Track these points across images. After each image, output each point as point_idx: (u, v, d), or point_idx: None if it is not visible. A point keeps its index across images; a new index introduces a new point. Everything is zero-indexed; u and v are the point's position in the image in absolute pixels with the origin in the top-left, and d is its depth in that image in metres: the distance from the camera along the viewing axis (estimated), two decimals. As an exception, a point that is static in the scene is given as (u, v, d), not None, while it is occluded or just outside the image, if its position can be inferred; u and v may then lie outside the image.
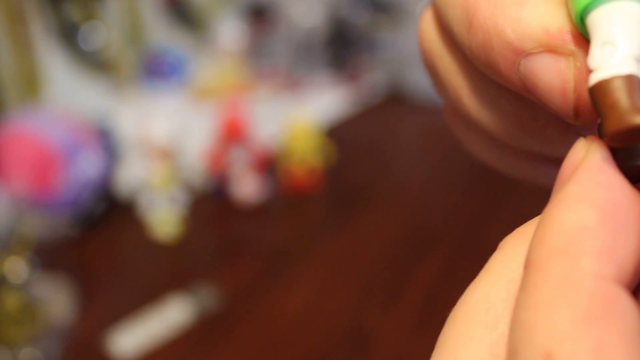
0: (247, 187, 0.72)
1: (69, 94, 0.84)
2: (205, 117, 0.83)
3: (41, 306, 0.56)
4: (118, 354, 0.54)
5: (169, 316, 0.57)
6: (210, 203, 0.74)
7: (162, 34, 1.01)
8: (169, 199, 0.69)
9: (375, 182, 0.80)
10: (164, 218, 0.68)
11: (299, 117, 0.79)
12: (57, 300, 0.58)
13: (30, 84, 0.80)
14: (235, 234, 0.70)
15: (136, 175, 0.72)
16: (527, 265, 0.12)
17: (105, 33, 0.87)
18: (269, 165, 0.76)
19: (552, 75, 0.14)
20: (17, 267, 0.54)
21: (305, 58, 1.05)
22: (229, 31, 1.02)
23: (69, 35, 0.85)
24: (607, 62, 0.13)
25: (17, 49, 0.77)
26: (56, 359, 0.53)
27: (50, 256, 0.62)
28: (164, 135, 0.69)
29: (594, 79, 0.13)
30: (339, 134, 0.90)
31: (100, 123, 0.72)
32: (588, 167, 0.13)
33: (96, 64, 0.88)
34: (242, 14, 1.09)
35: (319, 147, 0.78)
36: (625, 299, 0.11)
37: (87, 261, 0.64)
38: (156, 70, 0.96)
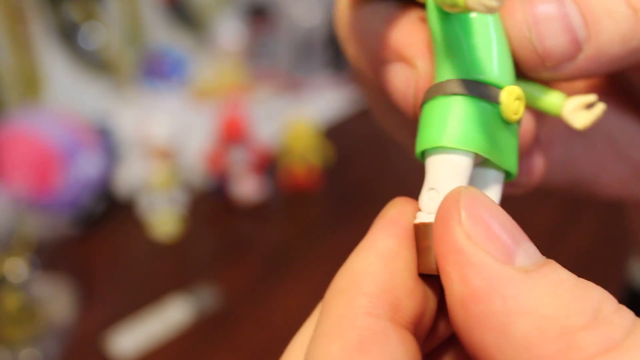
0: (247, 187, 0.72)
1: (69, 94, 0.84)
2: (205, 117, 0.83)
3: (41, 306, 0.56)
4: (118, 353, 0.54)
5: (169, 316, 0.57)
6: (210, 203, 0.74)
7: (162, 34, 1.01)
8: (168, 199, 0.69)
9: (375, 182, 0.80)
10: (163, 218, 0.68)
11: (298, 117, 0.79)
12: (57, 300, 0.58)
13: (30, 84, 0.80)
14: (235, 233, 0.70)
15: (136, 175, 0.72)
16: (322, 304, 0.14)
17: (105, 33, 0.87)
18: (269, 165, 0.76)
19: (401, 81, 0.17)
20: (17, 267, 0.54)
21: (305, 58, 1.05)
22: (229, 31, 1.02)
23: (69, 35, 0.85)
24: (430, 207, 0.14)
25: (17, 49, 0.77)
26: (56, 359, 0.53)
27: (50, 256, 0.62)
28: (164, 135, 0.69)
29: (418, 219, 0.14)
30: (338, 134, 0.90)
31: (100, 123, 0.72)
32: (381, 220, 0.15)
33: (96, 64, 0.88)
34: (242, 14, 1.09)
35: (319, 146, 0.78)
36: (392, 334, 0.13)
37: (87, 261, 0.64)
38: (156, 70, 0.96)
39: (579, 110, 0.16)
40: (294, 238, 0.70)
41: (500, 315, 0.12)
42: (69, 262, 0.64)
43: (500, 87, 0.15)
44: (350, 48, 0.19)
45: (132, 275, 0.64)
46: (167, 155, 0.69)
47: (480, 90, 0.14)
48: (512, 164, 0.15)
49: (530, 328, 0.12)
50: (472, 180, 0.15)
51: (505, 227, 0.13)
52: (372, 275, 0.14)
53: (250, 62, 1.04)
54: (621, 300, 0.13)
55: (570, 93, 0.18)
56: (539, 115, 0.18)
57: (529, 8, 0.15)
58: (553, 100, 0.16)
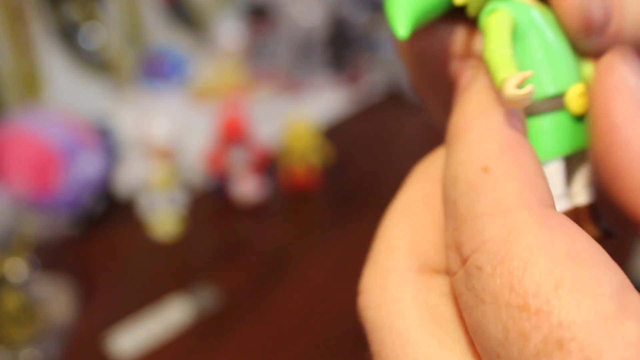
0: (247, 187, 0.72)
1: (69, 94, 0.84)
2: (205, 117, 0.83)
3: (41, 306, 0.56)
4: (118, 353, 0.54)
5: (169, 316, 0.57)
6: (210, 202, 0.74)
7: (162, 34, 1.01)
8: (168, 199, 0.69)
9: (375, 181, 0.80)
10: (163, 218, 0.68)
11: (298, 117, 0.79)
12: (57, 300, 0.58)
13: (30, 84, 0.80)
14: (235, 233, 0.70)
15: (136, 175, 0.72)
16: (450, 134, 0.16)
17: (105, 33, 0.87)
18: (269, 165, 0.76)
19: None
20: (17, 267, 0.54)
21: (305, 58, 1.05)
22: (229, 31, 1.02)
23: (69, 35, 0.85)
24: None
25: (17, 49, 0.77)
26: (56, 359, 0.53)
27: (50, 256, 0.62)
28: (164, 135, 0.69)
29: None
30: (338, 134, 0.90)
31: (100, 123, 0.72)
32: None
33: (96, 64, 0.88)
34: (241, 14, 1.09)
35: (319, 146, 0.78)
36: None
37: (87, 261, 0.65)
38: (156, 70, 0.96)
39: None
40: (294, 238, 0.70)
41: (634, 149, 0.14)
42: (69, 262, 0.64)
43: (562, 94, 0.16)
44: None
45: (132, 275, 0.64)
46: (167, 155, 0.69)
47: (546, 106, 0.16)
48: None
49: None
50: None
51: None
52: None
53: (250, 62, 1.04)
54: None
55: None
56: None
57: None
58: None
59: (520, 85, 0.14)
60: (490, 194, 0.14)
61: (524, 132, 0.16)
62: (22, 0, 0.77)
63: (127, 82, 0.93)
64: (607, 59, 0.15)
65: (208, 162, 0.73)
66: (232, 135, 0.71)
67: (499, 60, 0.15)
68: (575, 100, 0.16)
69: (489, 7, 0.17)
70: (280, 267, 0.64)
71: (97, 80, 0.89)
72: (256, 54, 1.05)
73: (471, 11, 0.17)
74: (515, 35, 0.16)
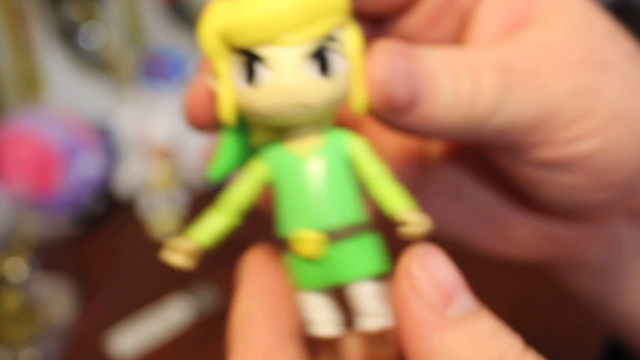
0: (247, 187, 0.72)
1: (69, 94, 0.84)
2: (205, 117, 0.82)
3: (41, 306, 0.56)
4: (118, 353, 0.54)
5: (169, 316, 0.57)
6: (210, 203, 0.73)
7: (162, 34, 1.01)
8: (168, 199, 0.69)
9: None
10: (163, 218, 0.68)
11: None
12: (57, 300, 0.58)
13: (30, 84, 0.80)
14: (235, 233, 0.70)
15: (136, 175, 0.72)
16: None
17: (105, 33, 0.87)
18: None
19: None
20: (17, 267, 0.54)
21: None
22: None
23: (69, 35, 0.85)
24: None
25: (16, 49, 0.77)
26: (56, 359, 0.53)
27: (50, 256, 0.62)
28: (164, 135, 0.69)
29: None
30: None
31: (100, 123, 0.72)
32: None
33: (96, 64, 0.88)
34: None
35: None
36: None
37: (87, 261, 0.64)
38: (156, 70, 0.96)
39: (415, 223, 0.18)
40: (294, 238, 0.70)
41: (425, 353, 0.16)
42: (69, 262, 0.64)
43: (287, 238, 0.18)
44: None
45: (132, 275, 0.64)
46: (167, 155, 0.69)
47: (285, 246, 0.18)
48: (362, 268, 0.18)
49: None
50: None
51: (444, 282, 0.16)
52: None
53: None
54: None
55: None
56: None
57: (385, 59, 0.17)
58: (395, 203, 0.18)
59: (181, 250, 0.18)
60: None
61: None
62: (22, 0, 0.77)
63: (127, 82, 0.93)
64: (405, 261, 0.17)
65: (208, 161, 0.73)
66: (232, 135, 0.71)
67: (208, 215, 0.20)
68: (296, 245, 0.17)
69: (259, 154, 0.19)
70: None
71: (97, 80, 0.89)
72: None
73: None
74: (276, 180, 0.18)
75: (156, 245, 0.70)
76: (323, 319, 0.18)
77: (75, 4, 0.84)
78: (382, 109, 0.18)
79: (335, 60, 0.17)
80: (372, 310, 0.18)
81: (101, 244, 0.67)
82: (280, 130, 0.18)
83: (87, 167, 0.66)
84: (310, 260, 0.17)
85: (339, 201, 0.18)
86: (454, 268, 0.17)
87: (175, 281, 0.61)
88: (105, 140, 0.70)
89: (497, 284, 0.50)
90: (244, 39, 0.17)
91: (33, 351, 0.53)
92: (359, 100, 0.18)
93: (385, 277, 0.18)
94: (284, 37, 0.16)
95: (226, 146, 0.20)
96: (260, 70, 0.17)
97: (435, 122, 0.18)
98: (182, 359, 0.54)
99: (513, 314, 0.54)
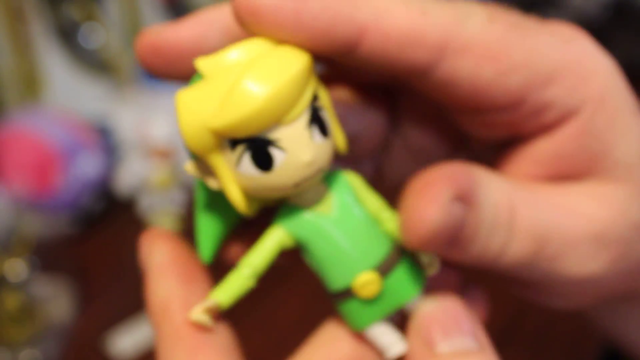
0: (247, 187, 0.72)
1: (69, 94, 0.84)
2: (205, 117, 0.82)
3: (41, 306, 0.56)
4: (117, 353, 0.54)
5: (169, 316, 0.57)
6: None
7: (162, 34, 1.01)
8: (168, 199, 0.69)
9: (375, 181, 0.80)
10: (163, 218, 0.68)
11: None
12: (56, 300, 0.58)
13: (30, 84, 0.80)
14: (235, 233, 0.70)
15: (136, 175, 0.72)
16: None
17: (105, 33, 0.87)
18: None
19: None
20: (17, 267, 0.54)
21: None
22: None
23: (68, 35, 0.85)
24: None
25: (16, 49, 0.78)
26: (56, 359, 0.53)
27: (50, 256, 0.62)
28: (164, 135, 0.69)
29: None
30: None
31: (100, 123, 0.72)
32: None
33: (96, 64, 0.88)
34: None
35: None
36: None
37: (86, 261, 0.64)
38: (156, 70, 0.96)
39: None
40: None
41: None
42: (69, 262, 0.64)
43: (348, 287, 0.18)
44: None
45: (132, 275, 0.64)
46: (167, 155, 0.69)
47: (341, 296, 0.19)
48: (413, 288, 0.19)
49: None
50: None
51: (445, 317, 0.17)
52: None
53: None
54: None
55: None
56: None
57: (445, 204, 0.17)
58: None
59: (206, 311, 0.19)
60: None
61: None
62: (22, 0, 0.77)
63: (127, 82, 0.93)
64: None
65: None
66: (232, 135, 0.71)
67: (230, 279, 0.19)
68: (361, 289, 0.18)
69: (275, 222, 0.19)
70: (278, 269, 0.64)
71: (97, 80, 0.89)
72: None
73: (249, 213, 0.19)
74: (304, 243, 0.19)
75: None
76: (393, 340, 0.19)
77: (75, 4, 0.84)
78: (412, 239, 0.17)
79: (325, 119, 0.17)
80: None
81: (101, 244, 0.67)
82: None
83: (87, 167, 0.66)
84: (370, 299, 0.18)
85: (373, 237, 0.18)
86: (463, 307, 0.17)
87: (175, 281, 0.61)
88: (105, 140, 0.70)
89: (495, 288, 0.50)
90: (250, 130, 0.16)
91: (33, 351, 0.53)
92: (340, 142, 0.19)
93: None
94: (289, 116, 0.16)
95: (205, 226, 0.21)
96: (274, 152, 0.16)
97: (461, 256, 0.18)
98: (182, 359, 0.54)
99: (511, 318, 0.55)
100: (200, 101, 0.17)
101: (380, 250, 0.18)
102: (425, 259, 0.18)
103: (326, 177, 0.18)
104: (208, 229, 0.21)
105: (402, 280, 0.18)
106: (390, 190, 0.23)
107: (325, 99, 0.18)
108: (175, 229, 0.68)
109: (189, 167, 0.18)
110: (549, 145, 0.20)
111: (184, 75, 0.19)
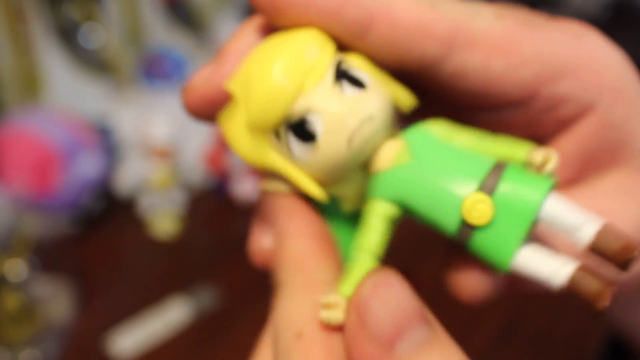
0: (246, 187, 0.72)
1: (69, 93, 0.84)
2: (205, 117, 0.82)
3: (41, 306, 0.56)
4: (117, 353, 0.54)
5: (169, 316, 0.57)
6: (210, 202, 0.74)
7: (162, 34, 1.01)
8: (168, 199, 0.69)
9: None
10: (163, 218, 0.68)
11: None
12: (56, 300, 0.58)
13: (30, 84, 0.80)
14: (235, 233, 0.70)
15: (136, 174, 0.72)
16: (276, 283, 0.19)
17: (105, 33, 0.87)
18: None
19: None
20: (17, 267, 0.54)
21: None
22: (229, 32, 1.01)
23: (68, 35, 0.85)
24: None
25: (16, 49, 0.77)
26: (56, 359, 0.53)
27: (50, 256, 0.62)
28: (164, 135, 0.69)
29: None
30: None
31: (100, 123, 0.72)
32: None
33: (96, 64, 0.88)
34: (241, 15, 1.09)
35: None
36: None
37: (86, 261, 0.64)
38: (156, 70, 0.96)
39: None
40: (293, 238, 0.70)
41: None
42: (69, 262, 0.64)
43: (462, 220, 0.17)
44: None
45: (132, 275, 0.64)
46: (167, 155, 0.69)
47: (467, 233, 0.17)
48: (535, 193, 0.17)
49: None
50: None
51: (396, 313, 0.15)
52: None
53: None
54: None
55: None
56: None
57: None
58: (517, 152, 0.18)
59: (332, 307, 0.16)
60: None
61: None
62: (22, 0, 0.77)
63: (127, 82, 0.93)
64: (357, 290, 0.16)
65: (208, 162, 0.73)
66: (232, 135, 0.71)
67: (352, 269, 0.17)
68: (473, 214, 0.16)
69: (369, 197, 0.18)
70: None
71: (97, 80, 0.89)
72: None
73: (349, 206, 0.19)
74: (405, 203, 0.17)
75: (156, 245, 0.70)
76: (552, 267, 0.16)
77: (75, 4, 0.84)
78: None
79: (358, 74, 0.17)
80: (582, 218, 0.16)
81: (101, 244, 0.67)
82: (365, 169, 0.18)
83: (87, 167, 0.66)
84: (497, 227, 0.16)
85: (467, 164, 0.17)
86: (411, 295, 0.16)
87: (175, 281, 0.61)
88: (105, 140, 0.70)
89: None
90: (279, 111, 0.16)
91: (33, 351, 0.53)
92: (404, 100, 0.18)
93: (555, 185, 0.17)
94: (309, 82, 0.16)
95: (344, 244, 0.20)
96: (311, 120, 0.16)
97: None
98: (182, 359, 0.54)
99: (511, 318, 0.55)
100: (236, 114, 0.17)
101: (478, 171, 0.17)
102: (537, 157, 0.17)
103: (404, 133, 0.18)
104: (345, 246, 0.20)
105: (516, 190, 0.16)
106: None
107: (360, 63, 0.18)
108: (174, 229, 0.68)
109: (264, 186, 0.19)
110: (569, 142, 0.20)
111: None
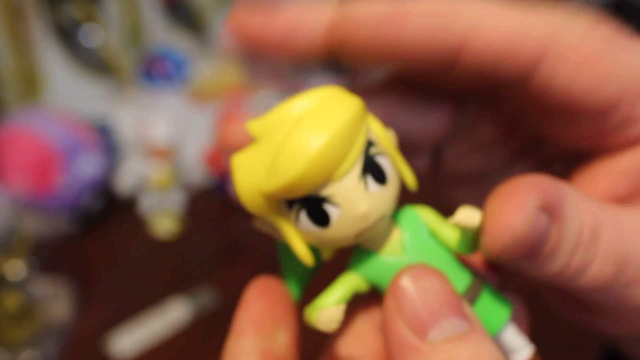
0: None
1: (69, 93, 0.84)
2: (204, 117, 0.83)
3: (41, 306, 0.56)
4: (117, 353, 0.54)
5: (168, 316, 0.57)
6: (210, 202, 0.74)
7: (161, 34, 1.01)
8: (168, 199, 0.69)
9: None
10: (163, 217, 0.68)
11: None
12: (56, 300, 0.58)
13: (30, 84, 0.80)
14: (235, 233, 0.70)
15: (136, 174, 0.72)
16: None
17: (105, 33, 0.87)
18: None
19: None
20: (17, 267, 0.54)
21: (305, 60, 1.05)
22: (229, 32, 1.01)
23: (68, 35, 0.85)
24: None
25: (16, 49, 0.77)
26: (56, 359, 0.53)
27: (50, 256, 0.62)
28: (164, 135, 0.69)
29: None
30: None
31: (100, 123, 0.72)
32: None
33: (96, 64, 0.88)
34: (242, 15, 1.09)
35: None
36: None
37: (86, 261, 0.64)
38: (156, 70, 0.96)
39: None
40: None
41: None
42: (68, 262, 0.64)
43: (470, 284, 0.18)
44: None
45: (132, 274, 0.64)
46: (167, 155, 0.69)
47: (472, 294, 0.18)
48: (501, 316, 0.19)
49: None
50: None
51: (433, 302, 0.16)
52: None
53: (250, 62, 1.03)
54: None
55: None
56: None
57: (530, 214, 0.16)
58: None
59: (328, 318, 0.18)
60: None
61: None
62: (22, 0, 0.77)
63: (127, 82, 0.93)
64: (397, 277, 0.16)
65: (208, 162, 0.73)
66: (232, 135, 0.71)
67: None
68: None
69: (348, 268, 0.19)
70: (279, 267, 0.64)
71: (97, 80, 0.89)
72: (256, 55, 1.05)
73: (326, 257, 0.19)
74: (380, 286, 0.18)
75: (156, 245, 0.70)
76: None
77: (75, 4, 0.84)
78: (493, 245, 0.16)
79: (382, 161, 0.17)
80: (519, 344, 0.18)
81: (101, 244, 0.67)
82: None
83: (87, 167, 0.66)
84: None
85: (453, 269, 0.18)
86: (450, 288, 0.16)
87: (175, 281, 0.61)
88: (105, 140, 0.70)
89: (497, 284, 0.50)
90: (300, 191, 0.16)
91: (33, 351, 0.53)
92: (409, 180, 0.18)
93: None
94: (339, 171, 0.16)
95: (290, 269, 0.22)
96: (328, 209, 0.16)
97: (537, 274, 0.18)
98: (182, 358, 0.54)
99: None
100: (252, 164, 0.17)
101: (464, 281, 0.18)
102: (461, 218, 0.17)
103: (396, 215, 0.18)
104: (293, 271, 0.21)
105: (487, 309, 0.18)
106: (445, 180, 0.24)
107: (384, 140, 0.18)
108: (174, 229, 0.68)
109: (256, 223, 0.18)
110: (629, 160, 0.19)
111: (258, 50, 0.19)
